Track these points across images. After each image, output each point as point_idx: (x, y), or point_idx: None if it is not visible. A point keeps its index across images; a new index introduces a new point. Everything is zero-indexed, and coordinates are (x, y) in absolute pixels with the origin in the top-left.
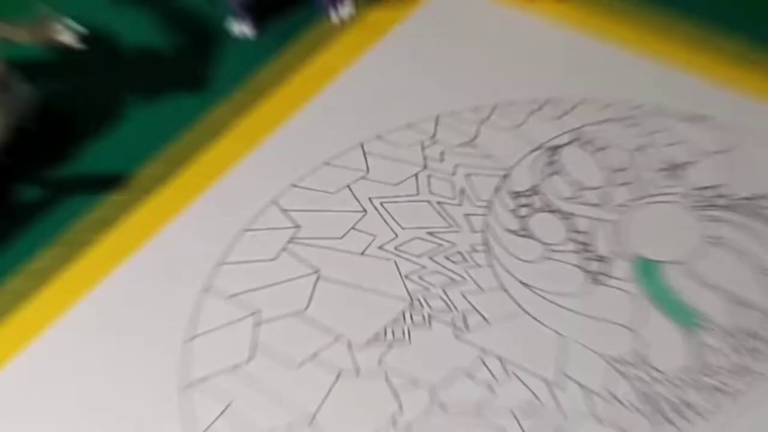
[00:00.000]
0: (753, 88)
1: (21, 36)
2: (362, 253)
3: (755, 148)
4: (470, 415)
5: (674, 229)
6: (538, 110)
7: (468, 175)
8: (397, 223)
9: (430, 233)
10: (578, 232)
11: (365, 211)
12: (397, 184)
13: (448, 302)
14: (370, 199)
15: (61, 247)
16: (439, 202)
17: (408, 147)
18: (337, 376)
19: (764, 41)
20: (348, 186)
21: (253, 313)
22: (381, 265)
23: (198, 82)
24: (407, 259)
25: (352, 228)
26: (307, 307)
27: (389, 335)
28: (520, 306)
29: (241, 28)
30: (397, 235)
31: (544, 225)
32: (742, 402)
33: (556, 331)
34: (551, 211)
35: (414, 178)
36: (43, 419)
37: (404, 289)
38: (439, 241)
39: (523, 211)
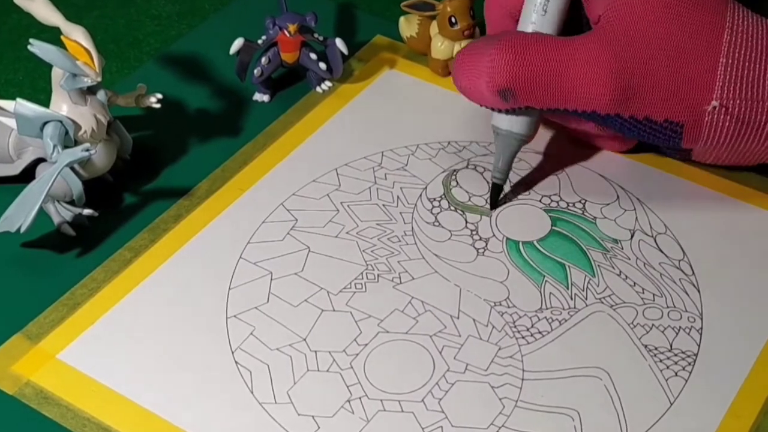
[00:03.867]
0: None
1: (123, 101)
2: (336, 236)
3: (576, 172)
4: (403, 336)
5: (528, 221)
6: (445, 147)
7: (401, 188)
8: (358, 218)
9: (378, 224)
10: (470, 223)
11: (338, 210)
12: (358, 193)
13: (390, 266)
14: (341, 202)
15: (149, 232)
16: (384, 205)
17: (364, 170)
18: (321, 312)
19: None
20: (327, 194)
21: (269, 273)
22: (348, 243)
23: (234, 130)
24: (364, 240)
25: (330, 221)
26: (302, 269)
27: (353, 287)
28: (434, 269)
29: (260, 97)
30: (357, 225)
31: (449, 219)
32: (566, 326)
33: (456, 284)
34: (453, 210)
35: (368, 190)
36: (146, 326)
37: (362, 258)
38: (384, 229)
39: (436, 210)
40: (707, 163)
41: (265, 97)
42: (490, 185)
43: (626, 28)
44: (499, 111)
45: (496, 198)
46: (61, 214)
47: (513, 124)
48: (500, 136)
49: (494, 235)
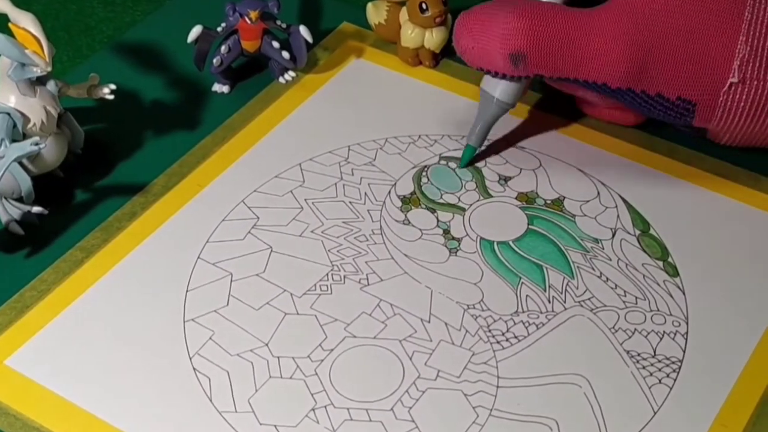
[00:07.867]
0: (553, 128)
1: (74, 92)
2: (300, 235)
3: (554, 167)
4: (371, 341)
5: (504, 219)
6: (415, 141)
7: (369, 184)
8: (323, 216)
9: (345, 222)
10: (442, 221)
11: (302, 207)
12: (323, 190)
13: (356, 267)
14: (305, 199)
15: (102, 231)
16: (350, 202)
17: (330, 166)
18: (284, 316)
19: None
20: (291, 191)
21: (228, 274)
22: (312, 243)
23: (191, 122)
24: (329, 239)
25: (294, 219)
26: (264, 270)
27: (318, 289)
28: (403, 270)
29: (220, 88)
30: (322, 224)
31: (420, 217)
32: (543, 330)
33: (427, 286)
34: (424, 208)
35: (334, 186)
36: (97, 329)
37: (327, 258)
38: (350, 227)
39: (406, 208)
40: (722, 144)
41: (225, 88)
42: (465, 147)
43: (647, 0)
44: (495, 75)
45: (468, 159)
46: (8, 211)
47: (504, 91)
48: (487, 101)
49: (467, 235)
